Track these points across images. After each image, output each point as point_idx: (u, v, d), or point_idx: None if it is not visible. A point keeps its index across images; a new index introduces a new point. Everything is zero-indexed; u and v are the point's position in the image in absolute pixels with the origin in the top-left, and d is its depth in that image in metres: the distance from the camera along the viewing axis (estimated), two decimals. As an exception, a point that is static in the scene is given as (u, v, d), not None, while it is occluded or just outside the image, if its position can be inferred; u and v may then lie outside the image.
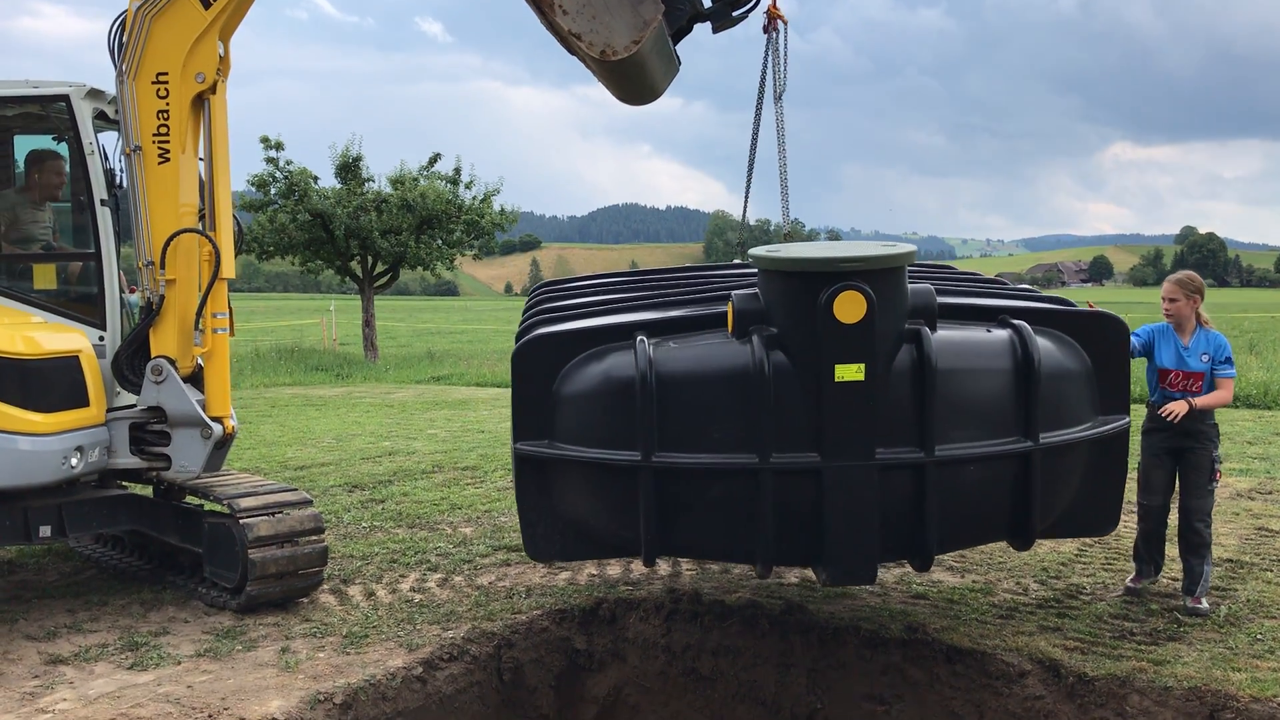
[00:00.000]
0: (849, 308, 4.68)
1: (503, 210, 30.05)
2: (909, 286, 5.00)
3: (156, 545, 7.66)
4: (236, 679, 5.53)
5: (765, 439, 4.88)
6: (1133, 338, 6.15)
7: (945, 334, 5.03)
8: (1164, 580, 6.74)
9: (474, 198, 29.29)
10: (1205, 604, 6.18)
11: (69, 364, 6.50)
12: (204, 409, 6.60)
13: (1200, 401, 6.24)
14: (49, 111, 6.82)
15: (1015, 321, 5.12)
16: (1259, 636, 5.74)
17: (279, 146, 27.44)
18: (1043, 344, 5.10)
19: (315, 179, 27.94)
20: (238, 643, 6.08)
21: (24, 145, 7.18)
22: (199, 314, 6.56)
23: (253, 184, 27.52)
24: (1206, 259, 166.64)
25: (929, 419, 4.88)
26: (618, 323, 5.43)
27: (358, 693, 5.45)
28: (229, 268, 6.61)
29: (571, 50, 5.28)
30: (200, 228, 6.54)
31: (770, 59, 6.14)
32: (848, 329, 4.72)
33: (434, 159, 29.34)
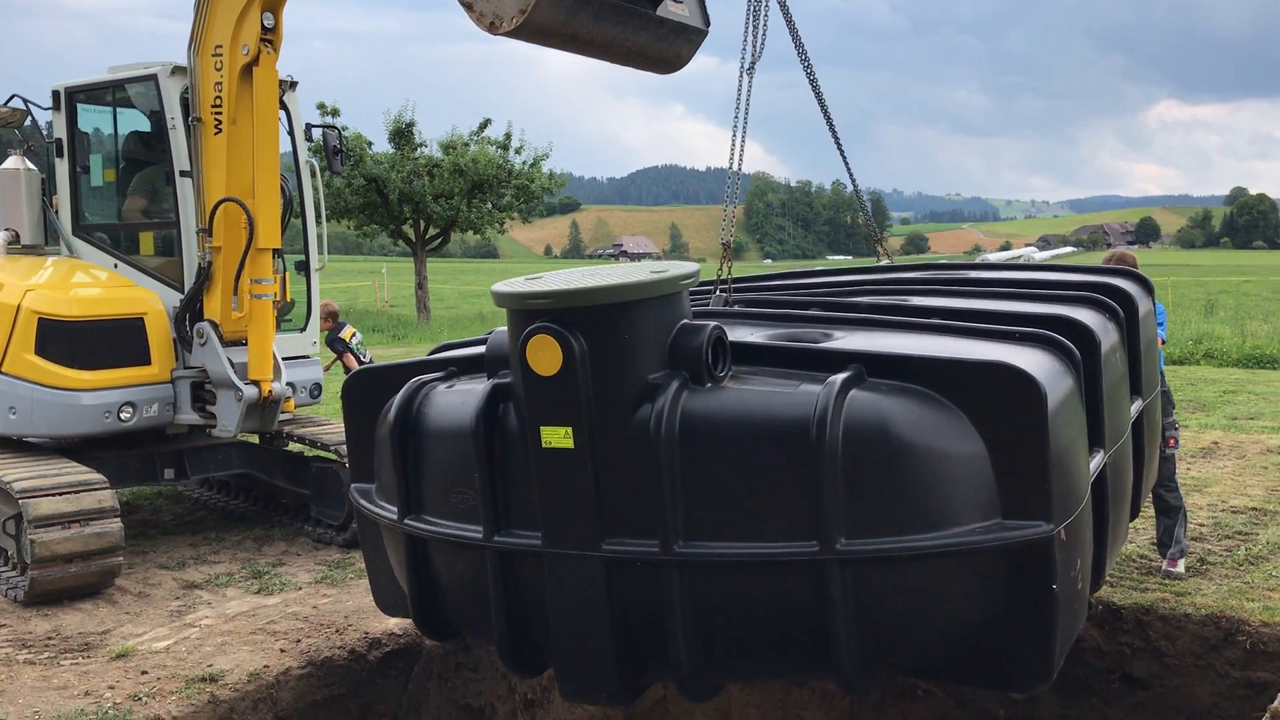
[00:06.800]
0: (543, 357, 3.68)
1: (551, 174, 30.68)
2: (682, 323, 3.81)
3: (262, 488, 8.42)
4: (354, 601, 6.25)
5: (491, 511, 3.94)
6: None
7: (723, 391, 3.75)
8: (1193, 525, 7.30)
9: (524, 163, 29.92)
10: (1181, 567, 6.37)
11: (126, 325, 7.09)
12: (243, 372, 6.99)
13: None
14: (150, 90, 7.42)
15: (843, 374, 3.64)
16: (1273, 573, 6.29)
17: (335, 113, 28.16)
18: (893, 406, 3.65)
19: (370, 144, 28.69)
20: (349, 572, 6.81)
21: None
22: (236, 280, 6.91)
23: (311, 151, 28.22)
24: (1257, 220, 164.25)
25: (666, 503, 3.64)
26: (449, 356, 4.59)
27: (461, 614, 6.15)
28: (267, 237, 6.87)
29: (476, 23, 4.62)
30: (238, 198, 6.76)
31: (752, 14, 5.21)
32: (547, 383, 3.70)
33: (484, 124, 29.99)
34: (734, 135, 5.06)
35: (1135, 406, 5.24)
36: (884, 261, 6.63)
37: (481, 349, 4.28)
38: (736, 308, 4.98)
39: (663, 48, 4.99)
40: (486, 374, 4.11)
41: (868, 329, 4.46)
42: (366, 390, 4.61)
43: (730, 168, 5.06)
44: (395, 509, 4.24)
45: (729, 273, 5.11)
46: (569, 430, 3.71)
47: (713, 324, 3.81)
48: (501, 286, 3.91)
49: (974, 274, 6.26)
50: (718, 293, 5.16)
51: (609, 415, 3.70)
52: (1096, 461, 4.27)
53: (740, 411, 3.69)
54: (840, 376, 3.61)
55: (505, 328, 4.07)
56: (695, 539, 3.66)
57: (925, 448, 3.60)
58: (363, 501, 4.55)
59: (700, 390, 3.72)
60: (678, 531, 3.65)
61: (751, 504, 3.63)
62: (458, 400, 4.12)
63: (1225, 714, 5.57)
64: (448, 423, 4.09)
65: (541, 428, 3.74)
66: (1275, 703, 4.36)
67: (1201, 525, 7.25)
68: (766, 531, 3.60)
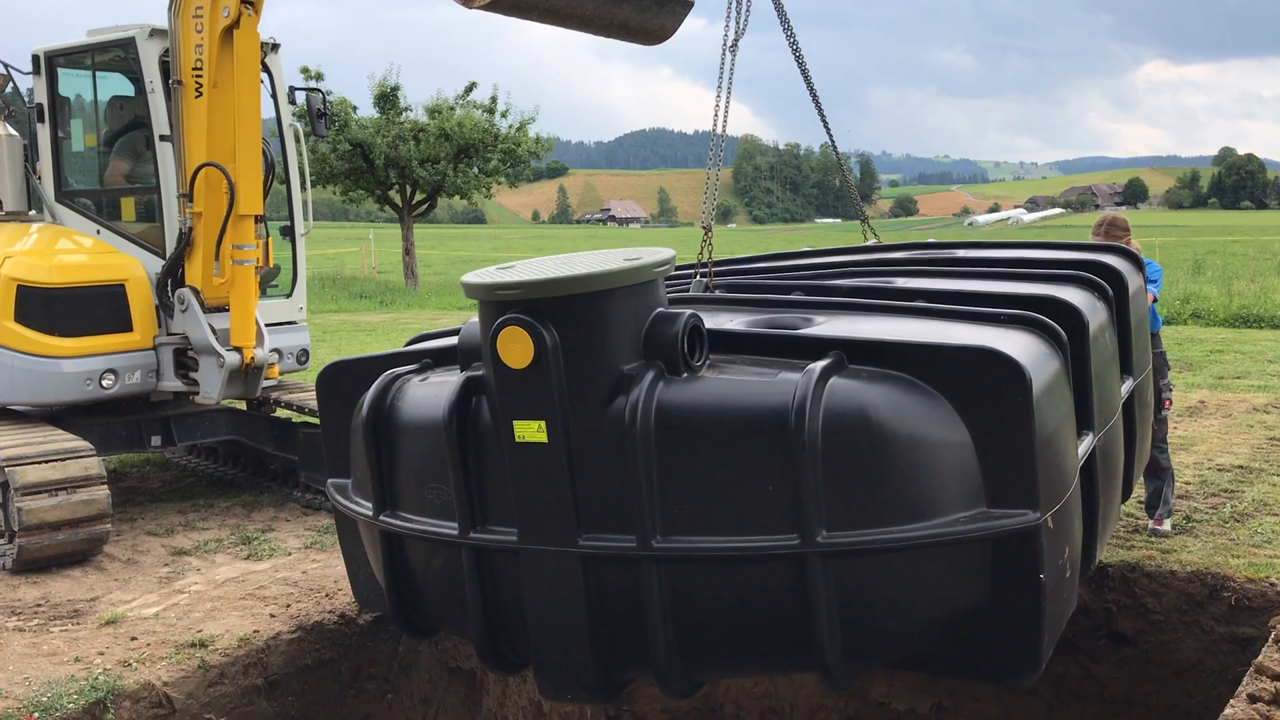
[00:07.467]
0: (514, 349, 3.58)
1: (538, 138, 30.46)
2: (657, 312, 3.72)
3: (250, 454, 8.40)
4: (343, 566, 6.22)
5: (466, 507, 3.87)
6: None
7: (700, 381, 3.66)
8: (1179, 483, 7.34)
9: (510, 126, 29.71)
10: (1167, 525, 6.43)
11: (107, 291, 7.04)
12: (225, 339, 6.92)
13: None
14: (128, 54, 7.31)
15: (822, 362, 3.56)
16: (1259, 530, 6.34)
17: (319, 77, 27.88)
18: (874, 394, 3.56)
19: (355, 109, 28.44)
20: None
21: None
22: (217, 246, 6.81)
23: (296, 115, 28.01)
24: (1245, 180, 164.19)
25: (643, 498, 3.55)
26: (423, 348, 4.50)
27: (451, 578, 6.17)
28: (247, 203, 6.73)
29: None
30: (219, 163, 6.64)
31: None
32: (518, 376, 3.60)
33: (470, 88, 29.71)
34: (715, 115, 4.91)
35: (1126, 386, 5.16)
36: (870, 240, 6.58)
37: (456, 340, 4.17)
38: (716, 293, 4.88)
39: (646, 20, 4.89)
40: (460, 366, 4.00)
41: (849, 313, 4.38)
42: (340, 383, 4.51)
43: (711, 155, 4.89)
44: (371, 505, 4.18)
45: (709, 256, 5.00)
46: (542, 424, 3.62)
47: (688, 312, 3.71)
48: (471, 277, 3.81)
49: (960, 253, 6.18)
50: (698, 277, 5.04)
51: (583, 408, 3.62)
52: (1085, 444, 4.20)
53: (717, 402, 3.60)
54: (819, 364, 3.53)
55: (475, 320, 3.97)
56: (674, 533, 3.58)
57: (907, 436, 3.53)
58: (339, 497, 4.48)
59: (676, 381, 3.63)
60: (655, 526, 3.58)
61: (730, 497, 3.55)
62: (431, 394, 4.04)
63: (1210, 669, 5.62)
64: (421, 417, 4.02)
65: (514, 422, 3.66)
66: (1259, 657, 4.41)
67: (1188, 483, 7.30)
68: (746, 525, 3.53)
